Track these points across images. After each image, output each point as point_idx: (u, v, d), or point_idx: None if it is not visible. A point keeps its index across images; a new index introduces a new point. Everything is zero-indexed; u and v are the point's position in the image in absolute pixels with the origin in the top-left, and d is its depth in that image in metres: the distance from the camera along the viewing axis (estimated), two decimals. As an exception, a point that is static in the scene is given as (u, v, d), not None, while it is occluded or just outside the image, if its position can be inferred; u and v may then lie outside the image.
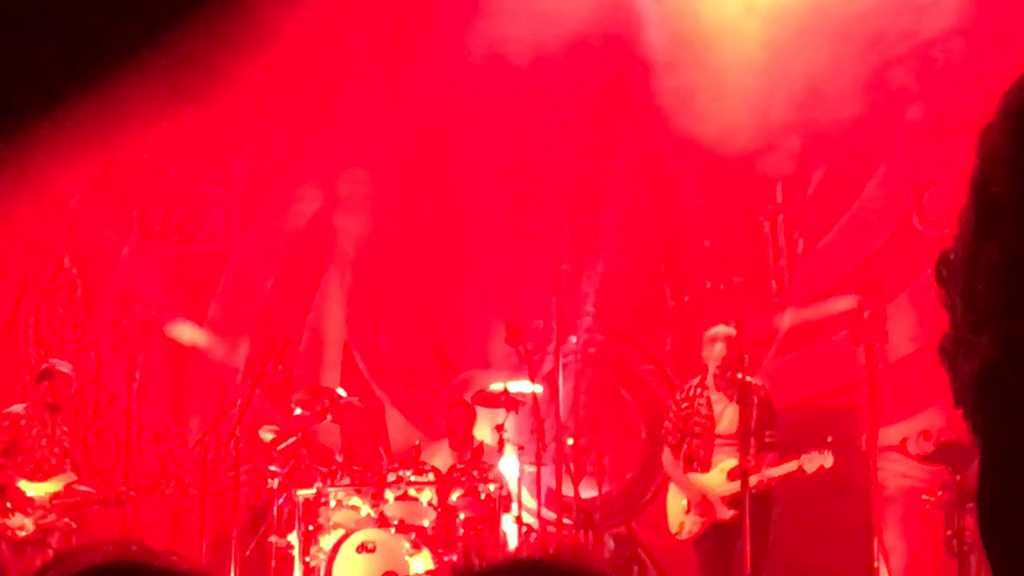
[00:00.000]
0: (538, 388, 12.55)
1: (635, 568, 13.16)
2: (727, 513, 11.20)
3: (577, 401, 13.40)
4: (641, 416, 14.57)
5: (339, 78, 14.93)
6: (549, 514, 13.18)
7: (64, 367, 11.85)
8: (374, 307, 14.97)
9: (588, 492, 13.24)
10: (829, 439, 11.18)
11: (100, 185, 15.33)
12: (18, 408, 11.53)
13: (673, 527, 11.68)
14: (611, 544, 13.31)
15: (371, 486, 12.50)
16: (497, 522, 12.27)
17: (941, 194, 13.45)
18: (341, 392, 13.15)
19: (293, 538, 12.47)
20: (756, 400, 11.25)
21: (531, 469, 12.57)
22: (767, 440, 11.30)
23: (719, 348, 11.55)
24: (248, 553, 12.76)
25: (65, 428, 11.49)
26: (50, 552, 11.08)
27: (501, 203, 14.63)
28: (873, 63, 13.57)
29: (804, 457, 11.03)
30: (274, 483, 12.75)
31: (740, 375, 11.33)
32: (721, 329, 11.66)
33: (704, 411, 11.57)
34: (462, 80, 14.31)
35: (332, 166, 15.13)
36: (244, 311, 15.19)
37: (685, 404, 11.75)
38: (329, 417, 13.06)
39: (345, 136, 14.84)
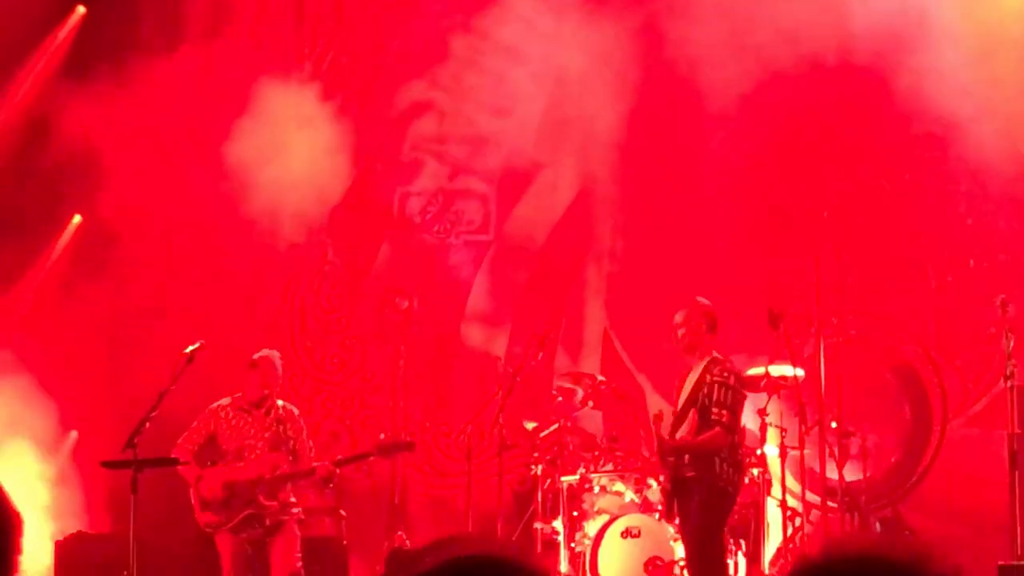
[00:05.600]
0: (800, 371, 12.45)
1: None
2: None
3: (839, 383, 13.24)
4: (905, 398, 14.37)
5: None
6: (813, 498, 13.07)
7: (272, 356, 11.90)
8: (633, 293, 14.99)
9: (852, 475, 13.12)
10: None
11: (361, 179, 15.60)
12: (224, 401, 11.71)
13: None
14: (878, 528, 13.17)
15: (634, 472, 12.56)
16: (761, 506, 12.23)
17: None
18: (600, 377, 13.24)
19: (558, 524, 12.58)
20: (710, 377, 10.84)
21: (794, 453, 12.49)
22: (712, 417, 10.78)
23: (678, 318, 11.19)
24: (513, 539, 12.88)
25: (280, 414, 11.57)
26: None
27: (758, 186, 14.53)
28: None
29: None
30: (538, 470, 12.86)
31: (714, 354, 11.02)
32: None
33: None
34: (718, 65, 14.26)
35: (587, 153, 15.19)
36: (504, 300, 15.36)
37: None
38: (591, 404, 13.15)
39: (598, 120, 14.89)
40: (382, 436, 12.64)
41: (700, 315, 11.08)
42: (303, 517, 11.59)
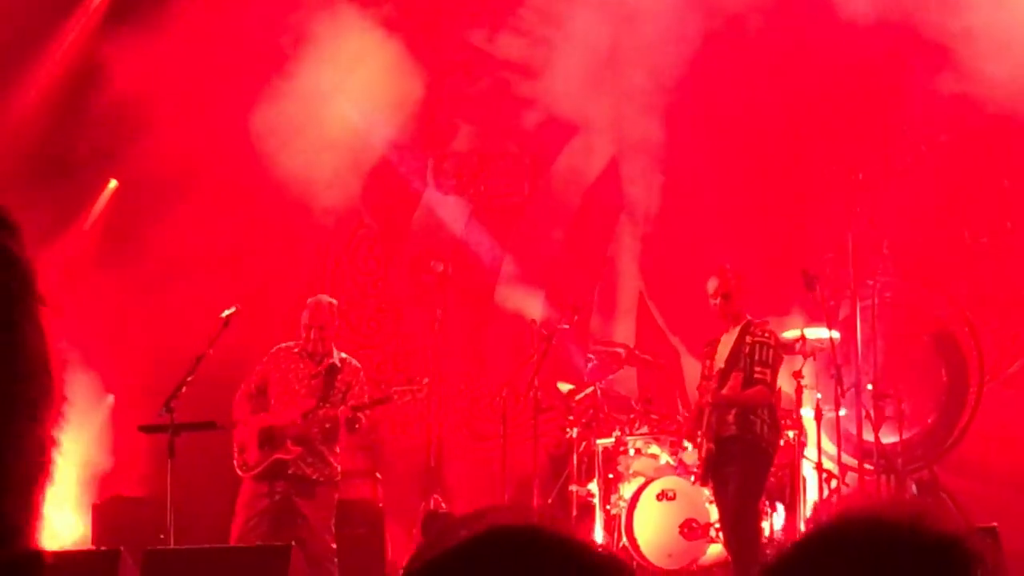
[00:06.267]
0: (835, 334, 12.42)
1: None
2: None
3: (875, 346, 13.21)
4: (941, 359, 14.34)
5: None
6: (849, 460, 13.06)
7: (321, 297, 11.88)
8: (667, 256, 14.97)
9: (889, 437, 13.09)
10: None
11: (396, 142, 15.59)
12: (286, 344, 11.69)
13: None
14: (914, 490, 13.15)
15: (669, 434, 12.57)
16: (797, 468, 12.22)
17: None
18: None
19: (593, 486, 12.60)
20: (751, 338, 11.01)
21: (830, 415, 12.47)
22: (756, 376, 10.97)
23: (711, 285, 11.24)
24: (549, 501, 12.92)
25: (333, 364, 11.53)
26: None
27: (793, 147, 14.49)
28: None
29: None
30: (573, 432, 12.87)
31: (749, 317, 11.17)
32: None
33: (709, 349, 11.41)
34: (751, 26, 14.22)
35: (621, 115, 15.15)
36: (539, 263, 15.34)
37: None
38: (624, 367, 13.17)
39: (633, 82, 14.85)
40: (425, 381, 12.53)
41: (740, 280, 11.16)
42: (339, 479, 11.55)
